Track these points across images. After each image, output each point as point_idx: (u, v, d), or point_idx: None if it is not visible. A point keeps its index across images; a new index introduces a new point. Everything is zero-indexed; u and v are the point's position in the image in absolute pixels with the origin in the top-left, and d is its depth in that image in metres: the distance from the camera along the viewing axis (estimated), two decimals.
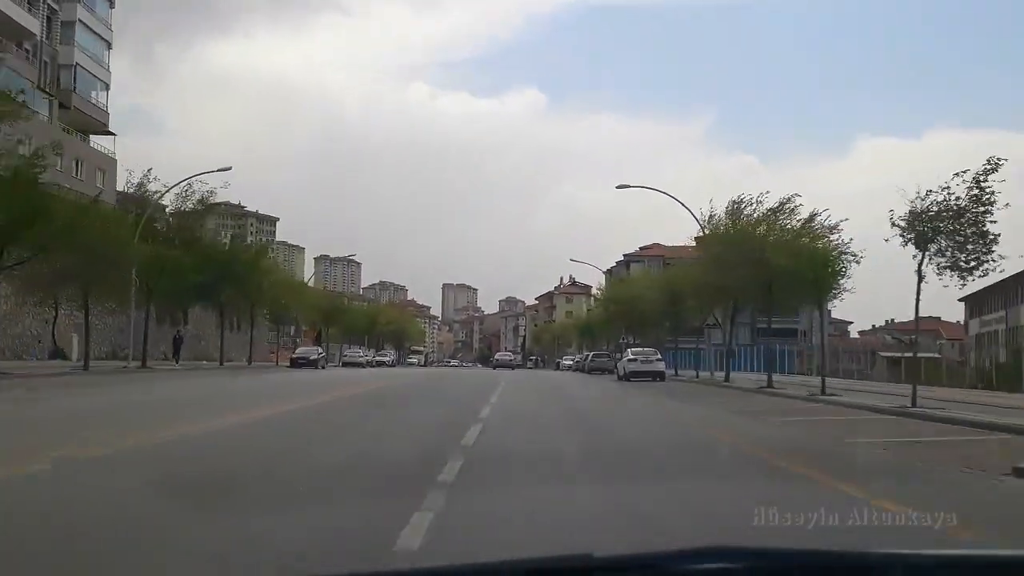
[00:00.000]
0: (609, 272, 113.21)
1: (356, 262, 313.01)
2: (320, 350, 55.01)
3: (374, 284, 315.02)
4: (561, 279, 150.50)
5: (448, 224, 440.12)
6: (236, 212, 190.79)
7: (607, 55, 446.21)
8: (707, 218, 33.26)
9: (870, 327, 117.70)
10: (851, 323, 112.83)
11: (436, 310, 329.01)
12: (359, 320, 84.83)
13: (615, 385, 34.88)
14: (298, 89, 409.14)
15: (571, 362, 72.03)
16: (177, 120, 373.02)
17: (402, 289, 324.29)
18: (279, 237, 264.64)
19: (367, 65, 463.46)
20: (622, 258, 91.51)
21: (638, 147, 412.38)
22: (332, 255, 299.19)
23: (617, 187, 40.16)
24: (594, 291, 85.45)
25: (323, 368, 49.87)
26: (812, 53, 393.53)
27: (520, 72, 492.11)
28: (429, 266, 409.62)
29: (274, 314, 56.92)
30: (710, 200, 40.08)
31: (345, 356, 65.75)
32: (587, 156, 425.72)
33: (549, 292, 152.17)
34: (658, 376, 38.42)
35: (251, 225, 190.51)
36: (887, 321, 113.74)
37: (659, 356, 40.49)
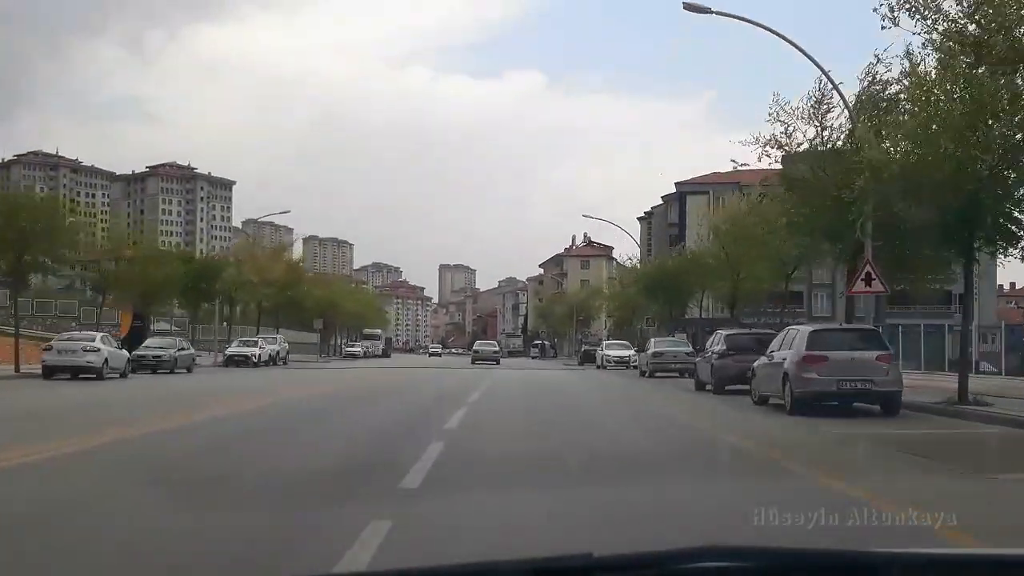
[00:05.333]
0: (648, 217, 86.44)
1: (348, 243, 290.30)
2: None
3: (366, 266, 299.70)
4: (573, 238, 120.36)
5: (447, 206, 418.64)
6: (185, 174, 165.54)
7: (607, 34, 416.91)
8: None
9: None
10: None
11: (433, 292, 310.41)
12: (184, 277, 44.07)
13: None
14: (293, 72, 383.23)
15: (628, 352, 42.34)
16: (172, 106, 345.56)
17: (396, 271, 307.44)
18: (268, 219, 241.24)
19: (364, 48, 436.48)
20: (673, 190, 63.82)
21: (638, 127, 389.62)
22: (322, 236, 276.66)
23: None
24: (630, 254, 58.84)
25: None
26: (817, 28, 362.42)
27: (520, 53, 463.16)
28: (426, 249, 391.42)
29: None
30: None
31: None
32: (587, 136, 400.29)
33: (558, 255, 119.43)
34: None
35: (201, 189, 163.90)
36: (1004, 286, 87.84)
37: None
